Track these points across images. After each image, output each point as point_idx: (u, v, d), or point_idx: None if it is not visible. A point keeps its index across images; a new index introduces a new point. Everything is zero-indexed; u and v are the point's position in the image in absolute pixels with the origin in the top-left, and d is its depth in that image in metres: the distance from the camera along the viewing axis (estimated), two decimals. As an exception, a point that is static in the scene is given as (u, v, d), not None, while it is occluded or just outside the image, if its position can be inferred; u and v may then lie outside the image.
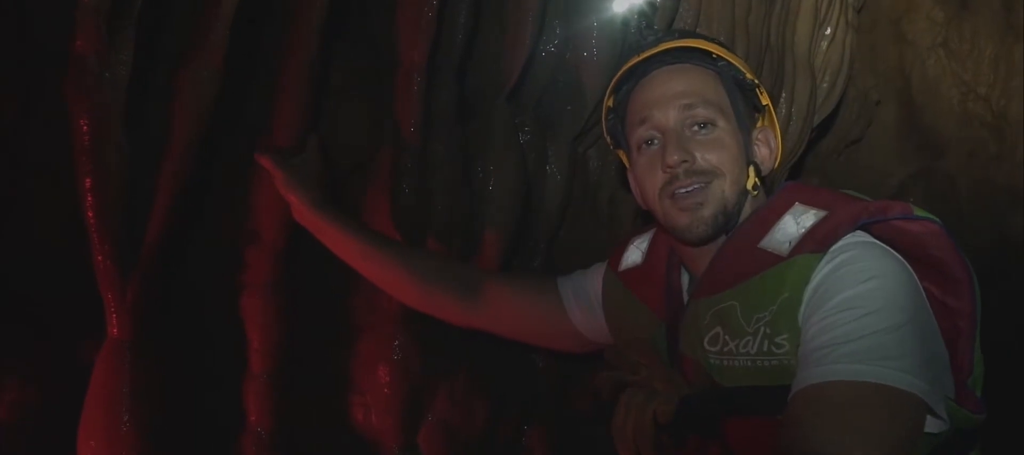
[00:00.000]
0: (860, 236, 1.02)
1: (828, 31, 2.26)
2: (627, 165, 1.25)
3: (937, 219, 1.03)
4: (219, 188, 1.55)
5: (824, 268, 0.98)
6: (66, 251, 1.37)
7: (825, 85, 2.33)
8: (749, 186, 1.13)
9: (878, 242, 1.03)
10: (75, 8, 1.17)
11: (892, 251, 1.02)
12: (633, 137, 1.16)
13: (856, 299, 0.94)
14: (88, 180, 1.28)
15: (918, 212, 1.02)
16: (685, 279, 1.20)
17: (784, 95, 2.18)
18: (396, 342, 1.59)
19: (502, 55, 1.59)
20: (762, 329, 1.00)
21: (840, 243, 1.01)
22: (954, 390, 1.01)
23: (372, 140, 1.58)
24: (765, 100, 1.19)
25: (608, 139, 1.28)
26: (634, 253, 1.29)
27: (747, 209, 1.14)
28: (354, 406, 1.61)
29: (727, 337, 1.03)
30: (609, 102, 1.23)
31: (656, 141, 1.13)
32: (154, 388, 1.41)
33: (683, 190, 1.09)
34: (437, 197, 1.56)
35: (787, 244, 1.03)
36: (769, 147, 1.19)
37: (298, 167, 1.44)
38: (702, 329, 1.07)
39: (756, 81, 1.17)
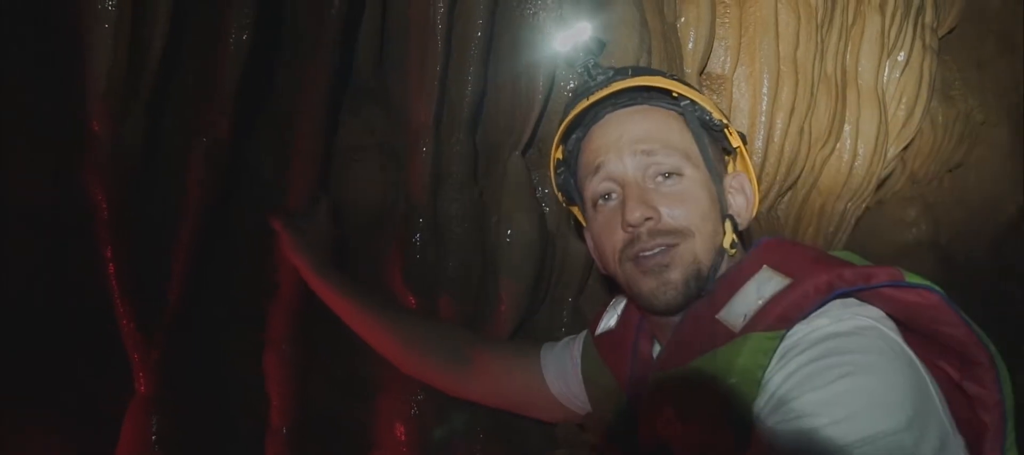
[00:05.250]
0: (844, 314, 0.85)
1: (901, 57, 2.07)
2: (583, 223, 1.14)
3: (937, 287, 0.85)
4: (241, 245, 1.60)
5: (791, 360, 0.82)
6: (98, 310, 1.46)
7: (901, 113, 2.14)
8: (726, 244, 0.99)
9: (867, 320, 0.84)
10: (85, 93, 1.25)
11: (885, 331, 0.84)
12: (587, 190, 1.04)
13: (823, 404, 0.77)
14: (108, 250, 1.37)
15: (911, 278, 0.85)
16: (656, 348, 1.08)
17: (847, 128, 2.01)
18: (415, 399, 1.58)
19: (515, 108, 1.56)
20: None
21: (816, 325, 0.84)
22: None
23: (387, 199, 1.59)
24: (736, 141, 1.05)
25: (560, 196, 1.17)
26: (611, 315, 1.18)
27: (723, 270, 0.99)
28: (374, 462, 1.61)
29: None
30: (557, 154, 1.12)
31: (614, 196, 1.01)
32: (179, 442, 1.48)
33: (647, 253, 0.96)
34: (450, 256, 1.54)
35: (741, 318, 0.88)
36: (745, 194, 1.05)
37: (306, 229, 1.46)
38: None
39: (725, 121, 1.04)
